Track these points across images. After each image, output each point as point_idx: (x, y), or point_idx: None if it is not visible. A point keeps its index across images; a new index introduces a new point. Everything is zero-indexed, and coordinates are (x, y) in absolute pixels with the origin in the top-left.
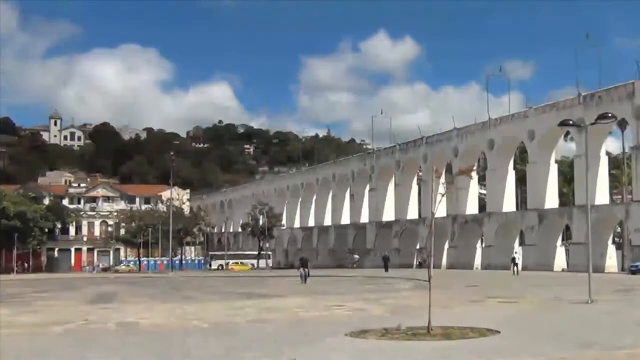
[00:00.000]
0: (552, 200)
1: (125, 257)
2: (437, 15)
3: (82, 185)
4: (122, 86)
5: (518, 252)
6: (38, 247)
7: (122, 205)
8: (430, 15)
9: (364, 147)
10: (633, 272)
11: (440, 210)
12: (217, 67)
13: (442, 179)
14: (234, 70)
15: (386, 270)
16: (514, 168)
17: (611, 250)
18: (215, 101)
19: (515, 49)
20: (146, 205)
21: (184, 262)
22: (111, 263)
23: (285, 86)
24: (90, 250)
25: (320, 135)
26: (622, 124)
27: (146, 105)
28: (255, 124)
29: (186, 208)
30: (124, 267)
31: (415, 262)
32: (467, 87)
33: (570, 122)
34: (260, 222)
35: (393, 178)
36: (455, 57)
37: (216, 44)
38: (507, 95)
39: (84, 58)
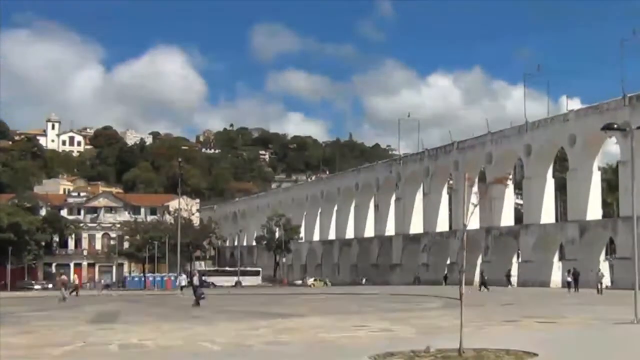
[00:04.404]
0: (594, 211)
1: (130, 272)
2: None
3: (82, 194)
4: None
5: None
6: (34, 262)
7: (125, 216)
8: None
9: (390, 152)
10: None
11: (473, 221)
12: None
13: (475, 188)
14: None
15: None
16: (553, 176)
17: None
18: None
19: (516, 33)
20: (152, 217)
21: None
22: (113, 279)
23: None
24: (91, 265)
25: (342, 141)
26: None
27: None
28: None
29: (196, 219)
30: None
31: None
32: (466, 71)
33: (615, 125)
34: (277, 234)
35: (421, 187)
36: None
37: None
38: (508, 83)
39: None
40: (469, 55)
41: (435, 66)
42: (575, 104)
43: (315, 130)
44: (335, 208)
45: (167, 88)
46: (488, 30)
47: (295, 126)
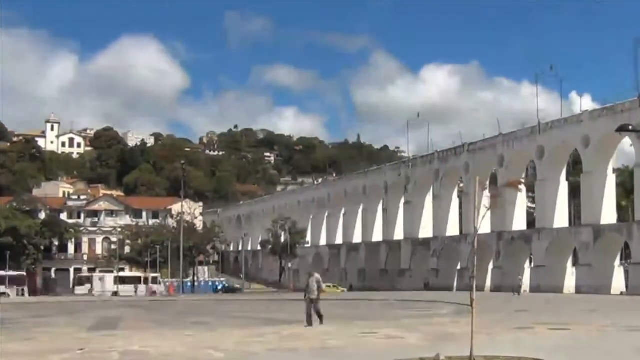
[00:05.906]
0: (609, 214)
1: None
2: None
3: (82, 197)
4: None
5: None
6: (33, 266)
7: (126, 219)
8: None
9: (399, 154)
10: None
11: (484, 226)
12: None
13: (486, 191)
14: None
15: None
16: (567, 179)
17: None
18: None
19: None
20: (154, 220)
21: (196, 283)
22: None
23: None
24: (91, 270)
25: (350, 142)
26: None
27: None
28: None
29: (199, 223)
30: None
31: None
32: (463, 65)
33: (630, 127)
34: (282, 239)
35: (431, 190)
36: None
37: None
38: (508, 79)
39: None
40: (467, 49)
41: (429, 59)
42: (586, 101)
43: (312, 127)
44: (343, 212)
45: (150, 81)
46: (487, 24)
47: (286, 122)
